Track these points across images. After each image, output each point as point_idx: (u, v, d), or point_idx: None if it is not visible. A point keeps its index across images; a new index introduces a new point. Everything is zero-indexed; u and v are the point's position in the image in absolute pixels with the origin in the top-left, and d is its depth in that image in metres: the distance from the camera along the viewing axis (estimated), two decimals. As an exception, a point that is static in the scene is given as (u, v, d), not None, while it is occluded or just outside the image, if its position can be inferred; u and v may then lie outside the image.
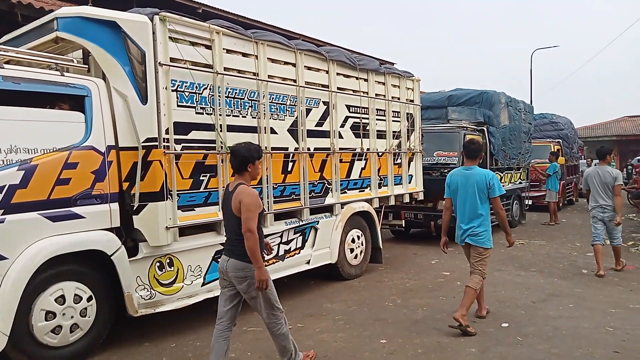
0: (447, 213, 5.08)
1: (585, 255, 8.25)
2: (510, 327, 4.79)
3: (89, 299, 4.06)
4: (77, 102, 4.17)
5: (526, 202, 12.53)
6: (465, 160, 5.08)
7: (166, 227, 4.36)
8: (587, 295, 5.88)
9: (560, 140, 15.65)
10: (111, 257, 4.12)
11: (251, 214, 3.32)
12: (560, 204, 14.88)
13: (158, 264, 4.50)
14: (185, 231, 4.75)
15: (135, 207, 4.31)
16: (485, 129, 10.23)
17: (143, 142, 4.30)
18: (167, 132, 4.41)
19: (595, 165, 7.76)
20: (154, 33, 4.33)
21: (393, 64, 13.45)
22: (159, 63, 4.33)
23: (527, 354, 4.14)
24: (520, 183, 12.11)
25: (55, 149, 3.94)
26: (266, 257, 5.49)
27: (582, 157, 19.37)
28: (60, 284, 3.89)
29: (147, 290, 4.40)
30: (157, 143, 4.32)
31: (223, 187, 4.86)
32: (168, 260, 4.57)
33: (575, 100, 77.45)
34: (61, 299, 3.88)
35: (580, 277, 6.71)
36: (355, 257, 6.85)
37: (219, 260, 4.91)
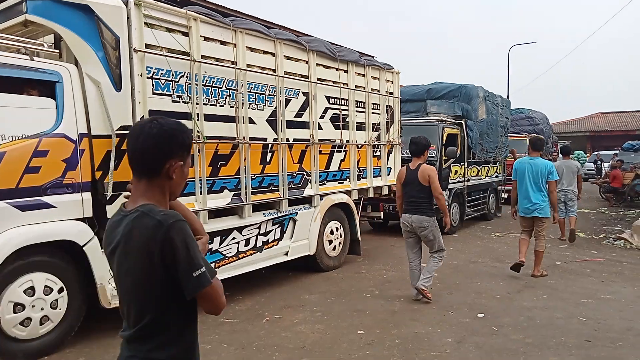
0: (514, 191, 6.63)
1: (558, 248, 8.41)
2: (486, 318, 4.84)
3: (60, 290, 3.95)
4: (47, 87, 4.02)
5: (502, 196, 12.71)
6: (530, 152, 6.67)
7: (141, 217, 4.25)
8: (560, 286, 5.99)
9: (536, 135, 15.91)
10: (83, 248, 4.02)
11: (438, 183, 5.19)
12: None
13: (132, 255, 4.39)
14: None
15: (108, 197, 4.20)
16: (463, 123, 10.31)
17: (117, 130, 4.18)
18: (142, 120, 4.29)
19: (560, 159, 9.68)
20: (128, 18, 4.20)
21: (373, 57, 13.45)
22: (134, 49, 4.21)
23: (502, 343, 4.20)
24: (496, 176, 12.28)
25: (24, 136, 3.80)
26: (243, 249, 5.45)
27: (556, 151, 19.77)
28: (29, 275, 3.78)
29: (121, 282, 4.29)
30: (131, 131, 4.20)
31: (200, 177, 4.78)
32: (143, 251, 4.46)
33: (551, 96, 78.92)
34: (30, 291, 3.77)
35: (554, 269, 6.84)
36: (334, 248, 6.84)
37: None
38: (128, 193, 1.61)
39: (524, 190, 6.35)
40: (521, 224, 6.57)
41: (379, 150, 7.73)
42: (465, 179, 10.33)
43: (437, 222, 5.44)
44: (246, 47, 5.38)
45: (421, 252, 5.53)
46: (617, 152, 19.11)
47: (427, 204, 5.29)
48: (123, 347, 1.60)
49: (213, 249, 5.11)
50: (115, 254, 1.54)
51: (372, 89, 7.50)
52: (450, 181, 9.73)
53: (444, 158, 9.32)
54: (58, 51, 4.42)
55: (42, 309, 3.83)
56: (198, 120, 4.79)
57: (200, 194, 4.83)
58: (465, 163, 10.28)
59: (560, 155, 9.75)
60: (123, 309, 1.60)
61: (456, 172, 9.99)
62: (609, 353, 3.99)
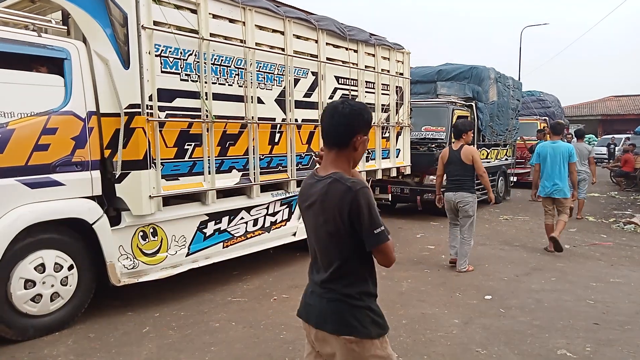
0: (536, 174, 6.95)
1: (567, 231, 8.33)
2: (494, 300, 4.84)
3: (70, 267, 3.99)
4: (55, 65, 4.00)
5: (511, 179, 12.61)
6: (552, 136, 7.02)
7: (150, 196, 4.27)
8: (569, 269, 5.96)
9: (547, 118, 15.70)
10: (92, 226, 4.04)
11: (480, 162, 5.78)
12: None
13: (141, 233, 4.42)
14: (169, 201, 4.67)
15: (117, 176, 4.21)
16: (473, 105, 10.18)
17: (125, 108, 4.17)
18: (150, 98, 4.27)
19: (574, 142, 9.42)
20: (136, -6, 4.15)
21: (383, 37, 13.25)
22: (142, 26, 4.17)
23: (509, 325, 4.19)
24: (506, 160, 12.16)
25: (33, 114, 3.79)
26: (251, 229, 5.47)
27: (568, 134, 19.56)
28: (40, 252, 3.81)
29: (130, 260, 4.33)
30: (140, 110, 4.19)
31: (208, 156, 4.77)
32: (152, 230, 4.49)
33: (563, 78, 77.72)
34: (41, 267, 3.81)
35: (563, 253, 6.80)
36: (342, 230, 6.83)
37: (204, 230, 4.91)
38: (318, 159, 2.01)
39: (546, 172, 6.73)
40: (544, 205, 6.96)
41: (388, 132, 7.67)
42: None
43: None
44: (255, 25, 5.31)
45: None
46: (630, 136, 18.86)
47: (470, 182, 5.84)
48: (314, 288, 1.98)
49: (221, 229, 5.13)
50: (310, 210, 1.93)
51: (382, 70, 7.41)
52: None
53: (453, 140, 9.24)
54: (66, 28, 4.38)
55: (52, 285, 3.88)
56: (206, 99, 4.76)
57: (209, 173, 4.82)
58: (475, 145, 10.17)
59: (575, 139, 9.64)
60: (316, 256, 1.99)
61: None
62: (617, 336, 3.97)
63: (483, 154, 10.67)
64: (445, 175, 6.04)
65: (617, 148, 20.27)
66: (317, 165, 2.02)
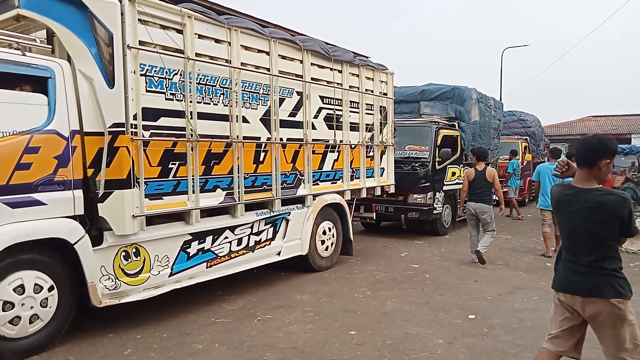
0: (537, 189, 8.54)
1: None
2: (477, 319, 4.87)
3: (50, 288, 3.91)
4: (39, 83, 3.98)
5: (494, 197, 12.70)
6: (549, 159, 8.57)
7: (133, 215, 4.23)
8: (551, 288, 6.01)
9: (528, 138, 16.00)
10: (74, 246, 3.98)
11: (498, 181, 7.44)
12: (526, 200, 15.23)
13: (124, 253, 4.37)
14: (153, 220, 4.64)
15: (100, 195, 4.17)
16: (456, 124, 10.35)
17: (109, 127, 4.15)
18: (135, 117, 4.27)
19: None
20: (122, 14, 4.17)
21: (367, 57, 13.44)
22: (127, 46, 4.18)
23: (492, 345, 4.21)
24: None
25: (15, 132, 3.76)
26: (235, 249, 5.44)
27: (548, 154, 19.91)
28: (19, 272, 3.73)
29: (112, 281, 4.27)
30: (124, 129, 4.18)
31: (193, 175, 4.76)
32: (134, 250, 4.44)
33: (543, 99, 79.36)
34: (20, 289, 3.72)
35: (545, 271, 6.88)
36: (326, 248, 6.84)
37: (187, 250, 4.88)
38: (564, 170, 3.02)
39: (545, 188, 7.92)
40: (543, 215, 8.08)
41: (372, 151, 7.74)
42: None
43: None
44: (241, 45, 5.36)
45: (479, 230, 7.48)
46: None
47: (488, 195, 7.36)
48: (579, 268, 2.73)
49: (205, 248, 5.09)
50: (578, 212, 2.70)
51: (366, 90, 7.51)
52: (448, 182, 9.80)
53: (437, 159, 9.36)
54: (51, 47, 4.37)
55: (31, 307, 3.79)
56: (191, 118, 4.77)
57: (193, 192, 4.80)
58: (462, 164, 10.31)
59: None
60: (575, 246, 2.76)
61: (454, 173, 10.03)
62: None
63: (457, 173, 10.77)
64: (468, 189, 7.45)
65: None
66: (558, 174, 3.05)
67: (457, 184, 9.99)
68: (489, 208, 7.34)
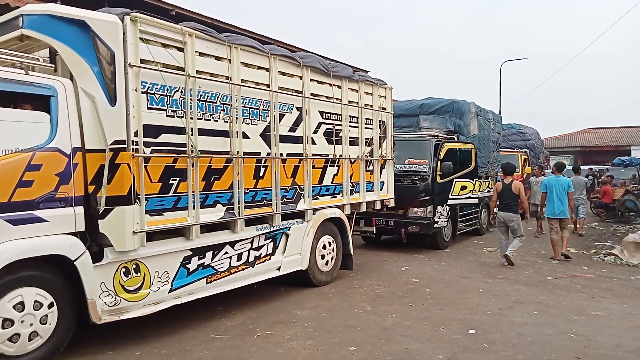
0: (544, 200, 9.13)
1: (549, 263, 8.46)
2: (477, 334, 4.86)
3: (50, 305, 3.92)
4: (42, 102, 4.03)
5: (496, 211, 12.72)
6: (555, 172, 9.17)
7: (133, 231, 4.25)
8: (551, 302, 6.02)
9: (527, 150, 16.05)
10: (74, 262, 3.99)
11: (524, 192, 8.36)
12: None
13: (124, 269, 4.38)
14: (153, 236, 4.65)
15: (101, 211, 4.20)
16: (455, 138, 10.40)
17: (111, 144, 4.20)
18: (136, 134, 4.31)
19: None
20: (124, 34, 4.24)
21: (366, 72, 13.58)
22: (129, 64, 4.25)
23: (493, 360, 4.21)
24: (488, 191, 12.32)
25: (17, 150, 3.80)
26: (235, 264, 5.45)
27: (548, 166, 19.91)
28: (19, 289, 3.74)
29: (112, 297, 4.28)
30: (125, 145, 4.22)
31: (193, 191, 4.79)
32: (134, 266, 4.46)
33: (542, 112, 79.62)
34: (20, 306, 3.73)
35: (545, 285, 6.88)
36: (326, 263, 6.84)
37: (187, 266, 4.90)
38: None
39: (552, 199, 8.78)
40: (551, 224, 8.87)
41: (372, 165, 7.77)
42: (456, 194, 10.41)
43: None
44: (241, 62, 5.43)
45: (508, 236, 8.39)
46: (608, 167, 19.29)
47: (515, 205, 8.25)
48: None
49: (205, 264, 5.11)
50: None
51: (365, 104, 7.56)
52: (455, 196, 9.93)
53: (439, 173, 9.38)
54: (53, 65, 4.43)
55: (31, 324, 3.79)
56: (192, 134, 4.81)
57: (193, 208, 4.83)
58: (477, 178, 10.59)
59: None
60: None
61: (464, 187, 10.16)
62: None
63: (468, 187, 10.84)
64: (497, 200, 8.46)
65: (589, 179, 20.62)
66: None
67: (469, 197, 10.19)
68: (516, 217, 8.21)
